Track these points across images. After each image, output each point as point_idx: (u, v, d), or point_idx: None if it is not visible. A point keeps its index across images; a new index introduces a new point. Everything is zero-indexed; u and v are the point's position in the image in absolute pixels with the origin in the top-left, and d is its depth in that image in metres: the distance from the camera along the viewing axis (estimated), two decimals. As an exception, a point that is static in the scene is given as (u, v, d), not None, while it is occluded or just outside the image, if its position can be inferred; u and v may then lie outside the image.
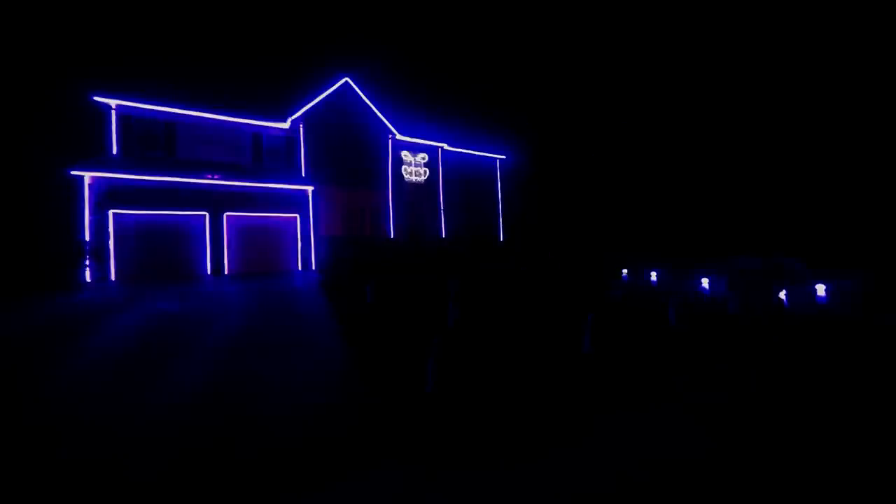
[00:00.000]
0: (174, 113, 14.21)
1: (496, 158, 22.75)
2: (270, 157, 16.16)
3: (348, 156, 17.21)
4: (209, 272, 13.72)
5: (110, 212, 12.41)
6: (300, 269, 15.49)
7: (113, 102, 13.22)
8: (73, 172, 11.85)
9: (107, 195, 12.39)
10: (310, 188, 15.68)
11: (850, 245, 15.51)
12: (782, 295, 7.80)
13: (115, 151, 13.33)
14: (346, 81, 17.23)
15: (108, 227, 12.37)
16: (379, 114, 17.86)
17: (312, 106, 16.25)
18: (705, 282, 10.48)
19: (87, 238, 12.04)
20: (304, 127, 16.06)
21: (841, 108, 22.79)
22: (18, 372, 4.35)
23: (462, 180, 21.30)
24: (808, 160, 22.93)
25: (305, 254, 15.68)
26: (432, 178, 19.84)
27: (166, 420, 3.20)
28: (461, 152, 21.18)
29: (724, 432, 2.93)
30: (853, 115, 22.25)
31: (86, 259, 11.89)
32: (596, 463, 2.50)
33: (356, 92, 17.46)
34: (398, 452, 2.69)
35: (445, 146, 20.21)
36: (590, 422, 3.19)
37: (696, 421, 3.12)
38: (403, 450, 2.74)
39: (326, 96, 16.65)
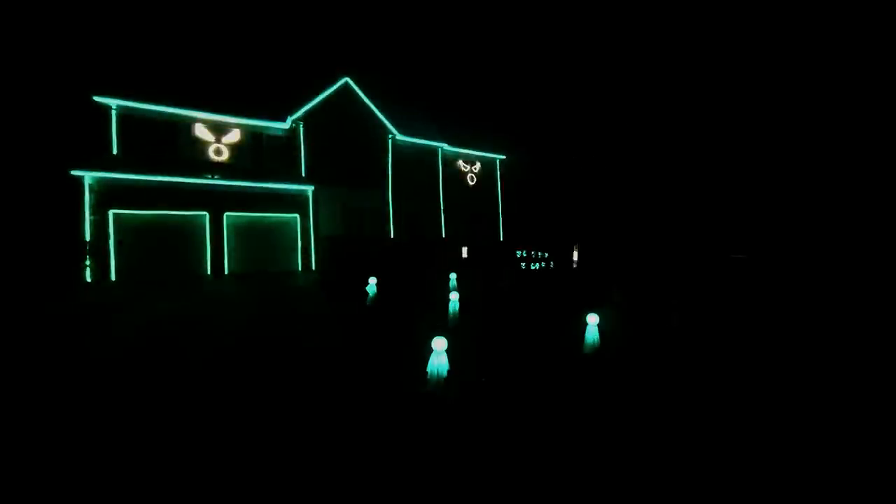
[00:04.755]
0: (175, 113, 14.23)
1: (496, 158, 22.76)
2: (270, 157, 16.16)
3: (348, 156, 17.21)
4: (209, 272, 13.74)
5: (110, 212, 12.42)
6: (300, 269, 15.50)
7: (114, 102, 13.23)
8: (74, 172, 11.87)
9: (107, 195, 12.40)
10: (310, 188, 15.69)
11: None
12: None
13: (115, 151, 13.35)
14: (346, 81, 17.23)
15: (108, 227, 12.38)
16: (379, 114, 17.86)
17: (312, 106, 16.25)
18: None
19: (88, 238, 12.06)
20: (304, 127, 16.07)
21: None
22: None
23: (462, 180, 21.32)
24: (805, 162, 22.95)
25: (305, 254, 15.69)
26: (432, 178, 19.85)
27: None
28: (461, 152, 21.20)
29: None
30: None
31: (86, 259, 11.90)
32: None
33: (356, 92, 17.46)
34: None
35: (445, 146, 20.22)
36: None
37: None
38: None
39: (326, 96, 16.65)
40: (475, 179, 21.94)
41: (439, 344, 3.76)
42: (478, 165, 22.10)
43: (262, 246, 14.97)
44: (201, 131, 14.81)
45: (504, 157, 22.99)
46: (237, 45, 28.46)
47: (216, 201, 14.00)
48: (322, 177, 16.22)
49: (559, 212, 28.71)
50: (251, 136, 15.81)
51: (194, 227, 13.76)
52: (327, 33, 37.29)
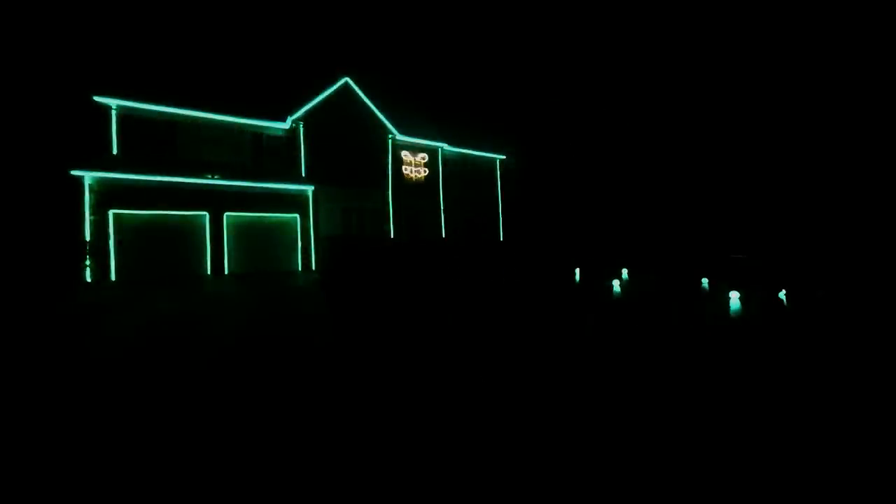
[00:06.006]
0: (175, 113, 14.25)
1: (496, 158, 22.77)
2: (270, 157, 16.18)
3: (348, 156, 17.22)
4: (209, 272, 13.75)
5: (110, 212, 12.43)
6: (300, 269, 15.51)
7: (114, 102, 13.25)
8: (74, 172, 11.88)
9: (107, 195, 12.41)
10: (310, 188, 15.70)
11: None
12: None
13: (115, 151, 13.36)
14: (346, 81, 17.24)
15: (108, 227, 12.39)
16: (379, 114, 17.87)
17: (312, 106, 16.26)
18: (705, 281, 10.50)
19: (88, 238, 12.06)
20: (304, 127, 16.09)
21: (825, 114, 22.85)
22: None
23: (462, 180, 21.32)
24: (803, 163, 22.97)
25: (305, 254, 15.70)
26: (432, 178, 19.86)
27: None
28: (461, 152, 21.21)
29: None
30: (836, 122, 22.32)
31: (86, 259, 11.91)
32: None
33: (356, 92, 17.47)
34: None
35: (445, 146, 20.23)
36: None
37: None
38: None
39: (326, 96, 16.67)
40: (475, 179, 21.95)
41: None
42: (478, 165, 22.11)
43: (262, 246, 14.98)
44: (201, 131, 14.81)
45: (504, 157, 23.01)
46: (237, 46, 28.47)
47: (216, 201, 14.01)
48: (322, 177, 16.24)
49: (559, 211, 28.73)
50: (251, 136, 15.83)
51: (194, 227, 13.77)
52: (327, 33, 37.32)
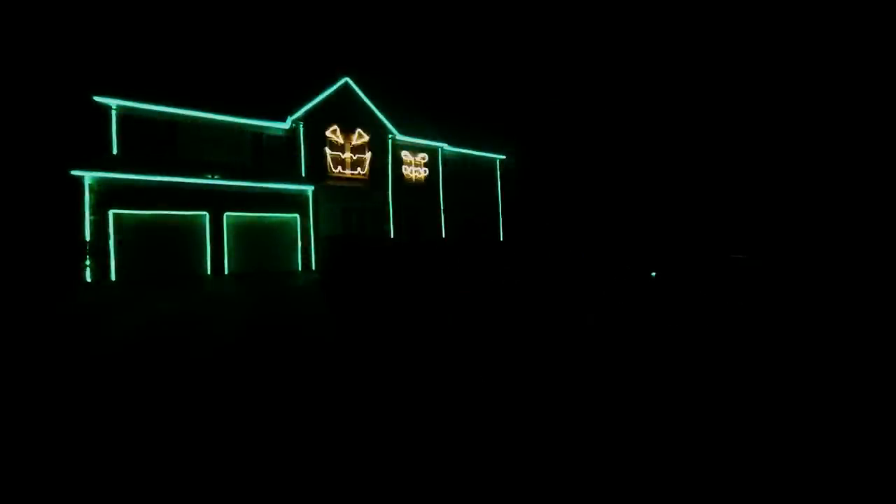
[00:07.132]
0: (175, 113, 14.24)
1: (496, 158, 22.76)
2: (270, 157, 16.17)
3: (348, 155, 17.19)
4: (209, 272, 13.74)
5: (110, 212, 12.43)
6: (300, 269, 15.51)
7: (114, 102, 13.24)
8: (74, 172, 11.87)
9: (107, 195, 12.41)
10: (310, 188, 15.70)
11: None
12: None
13: (115, 151, 13.36)
14: (346, 81, 17.24)
15: (108, 227, 12.38)
16: (379, 114, 17.87)
17: (312, 106, 16.26)
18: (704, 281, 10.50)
19: (88, 238, 12.06)
20: (304, 127, 16.08)
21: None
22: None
23: (462, 180, 21.31)
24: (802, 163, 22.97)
25: (305, 254, 15.70)
26: (432, 178, 19.85)
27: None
28: (461, 152, 21.20)
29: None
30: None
31: (86, 259, 11.91)
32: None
33: (356, 92, 17.47)
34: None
35: (445, 146, 20.23)
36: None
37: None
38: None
39: (326, 96, 16.66)
40: (475, 179, 21.94)
41: None
42: (478, 165, 22.11)
43: (262, 246, 14.98)
44: (201, 131, 14.81)
45: (504, 157, 23.00)
46: (237, 46, 28.48)
47: (216, 201, 14.01)
48: (322, 177, 16.22)
49: (559, 211, 28.73)
50: (251, 136, 15.82)
51: (194, 227, 13.77)
52: (327, 33, 37.33)
